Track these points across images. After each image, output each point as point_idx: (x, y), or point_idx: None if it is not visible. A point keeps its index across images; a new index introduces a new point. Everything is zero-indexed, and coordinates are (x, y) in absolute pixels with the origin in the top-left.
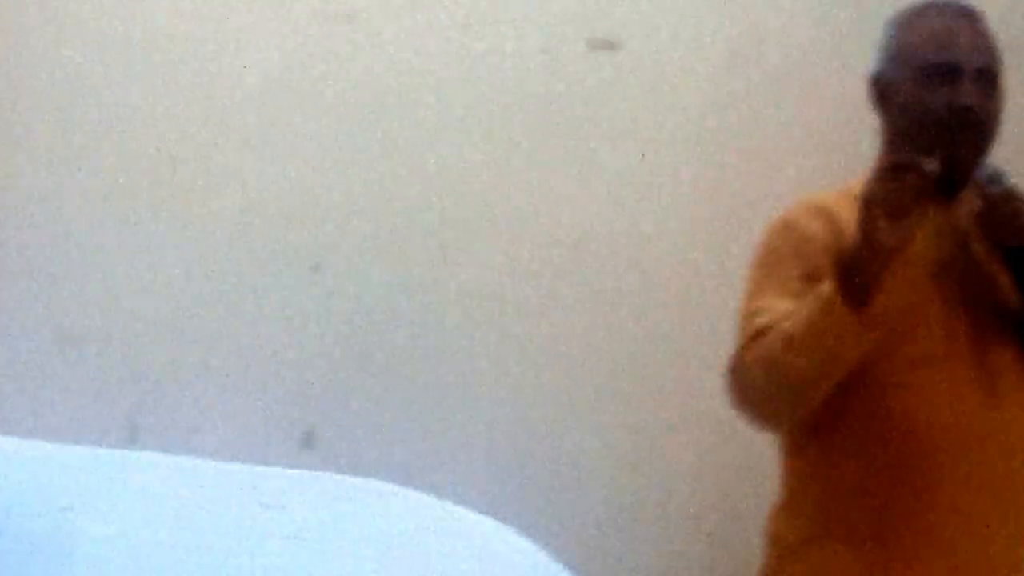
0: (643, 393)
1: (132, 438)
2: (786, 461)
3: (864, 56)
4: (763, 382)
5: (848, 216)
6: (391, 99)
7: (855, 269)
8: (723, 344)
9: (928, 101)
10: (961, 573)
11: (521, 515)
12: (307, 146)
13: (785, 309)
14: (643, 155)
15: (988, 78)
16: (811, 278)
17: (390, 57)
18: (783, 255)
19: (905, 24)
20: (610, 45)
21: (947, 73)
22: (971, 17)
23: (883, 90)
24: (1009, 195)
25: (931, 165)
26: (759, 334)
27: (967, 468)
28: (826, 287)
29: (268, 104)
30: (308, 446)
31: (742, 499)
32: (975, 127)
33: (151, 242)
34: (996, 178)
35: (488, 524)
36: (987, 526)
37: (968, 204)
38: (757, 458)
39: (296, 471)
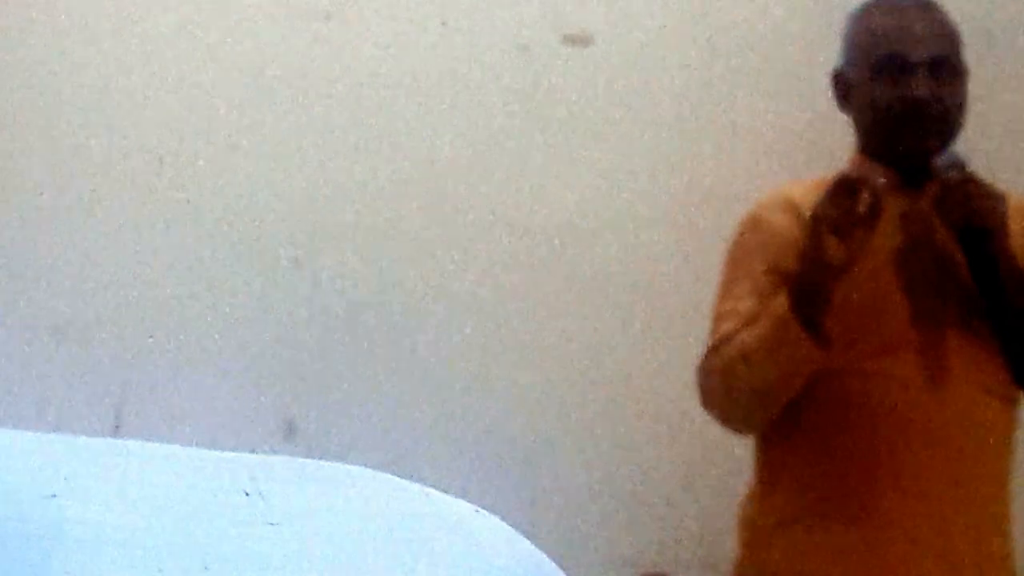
0: (619, 381)
1: (116, 430)
2: (757, 448)
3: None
4: (722, 392)
5: None
6: (369, 95)
7: (805, 287)
8: (697, 334)
9: (880, 96)
10: (925, 552)
11: (500, 502)
12: (287, 141)
13: (748, 312)
14: (618, 149)
15: (944, 67)
16: (777, 272)
17: (367, 54)
18: (750, 250)
19: (858, 20)
20: (584, 39)
21: (898, 67)
22: (924, 8)
23: (843, 87)
24: (965, 179)
25: (880, 182)
26: (722, 341)
27: (929, 452)
28: (780, 303)
29: (248, 100)
30: (290, 437)
31: (717, 485)
32: (931, 118)
33: (136, 235)
34: (954, 163)
35: (467, 508)
36: (951, 507)
37: (931, 192)
38: (733, 440)
39: (277, 457)
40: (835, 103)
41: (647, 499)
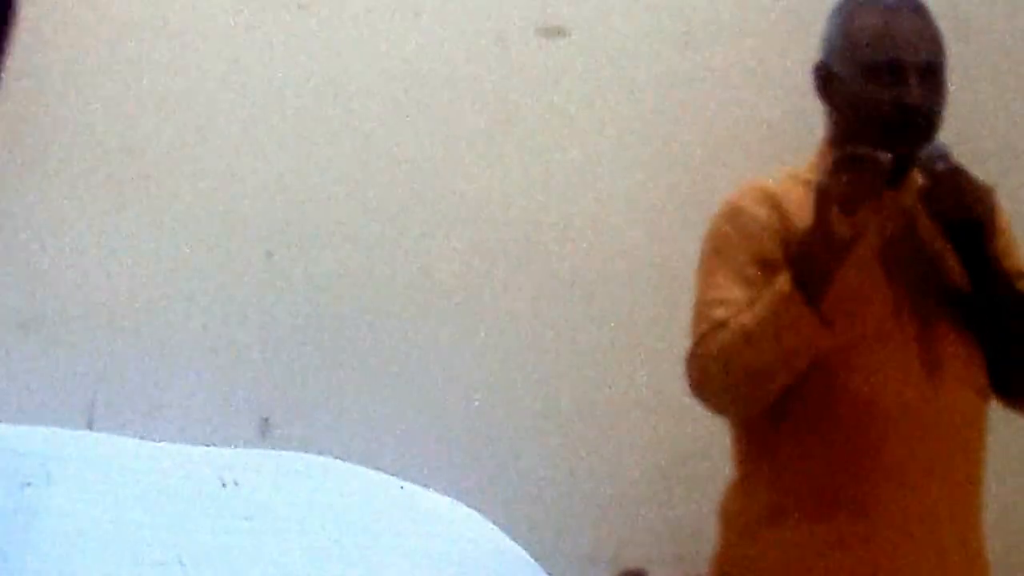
0: (595, 377)
1: (89, 426)
2: (738, 440)
3: (815, 41)
4: (722, 376)
5: (794, 201)
6: (343, 87)
7: (810, 263)
8: (674, 328)
9: (874, 98)
10: (912, 546)
11: (476, 499)
12: (259, 133)
13: (742, 299)
14: (594, 141)
15: (932, 71)
16: (763, 263)
17: (341, 44)
18: (733, 241)
19: (849, 16)
20: (560, 32)
21: (892, 70)
22: (915, 9)
23: (827, 81)
24: (954, 171)
25: (885, 158)
26: (718, 326)
27: (914, 445)
28: (782, 282)
29: (220, 92)
30: (265, 434)
31: (694, 481)
32: (921, 123)
33: (109, 229)
34: (940, 155)
35: (445, 502)
36: (936, 500)
37: (914, 186)
38: (711, 435)
39: (254, 450)
40: (814, 95)
41: (624, 495)
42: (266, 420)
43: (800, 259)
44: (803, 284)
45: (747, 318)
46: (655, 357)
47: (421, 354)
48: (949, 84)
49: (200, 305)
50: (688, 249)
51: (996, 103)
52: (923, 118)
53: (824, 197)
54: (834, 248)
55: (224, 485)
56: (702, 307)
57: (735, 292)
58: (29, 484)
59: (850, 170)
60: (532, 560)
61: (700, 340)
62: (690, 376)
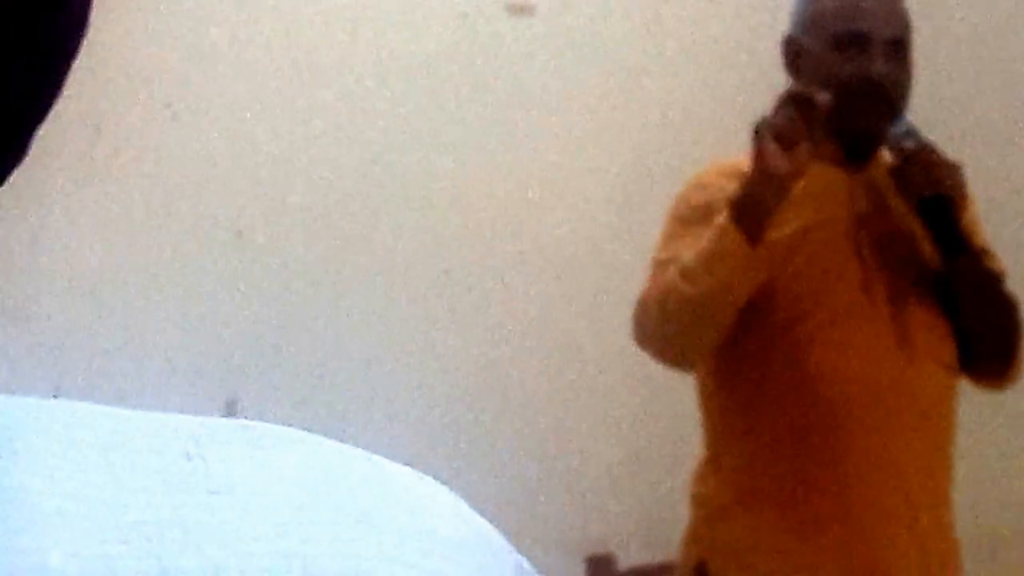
0: (564, 361)
1: None
2: (708, 420)
3: (782, 20)
4: (660, 314)
5: None
6: (311, 64)
7: (749, 197)
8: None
9: (838, 70)
10: (889, 525)
11: (444, 482)
12: (229, 112)
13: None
14: (561, 119)
15: (898, 47)
16: None
17: (309, 21)
18: (697, 211)
19: None
20: (528, 10)
21: (857, 42)
22: None
23: (795, 55)
24: (924, 148)
25: (824, 97)
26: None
27: (887, 423)
28: (721, 217)
29: (188, 70)
30: (230, 415)
31: (662, 466)
32: (887, 97)
33: (76, 209)
34: (910, 133)
35: (414, 476)
36: (910, 478)
37: (882, 165)
38: (681, 420)
39: (222, 420)
40: (783, 71)
41: (593, 480)
42: (232, 403)
43: (739, 195)
44: (740, 218)
45: (686, 256)
46: (625, 341)
47: (390, 338)
48: (915, 63)
49: (168, 286)
50: (654, 226)
51: (963, 84)
52: (888, 91)
53: (763, 131)
54: (771, 183)
55: (190, 457)
56: (655, 267)
57: (688, 255)
58: None
59: (792, 108)
60: (501, 535)
61: (645, 289)
62: (633, 322)
